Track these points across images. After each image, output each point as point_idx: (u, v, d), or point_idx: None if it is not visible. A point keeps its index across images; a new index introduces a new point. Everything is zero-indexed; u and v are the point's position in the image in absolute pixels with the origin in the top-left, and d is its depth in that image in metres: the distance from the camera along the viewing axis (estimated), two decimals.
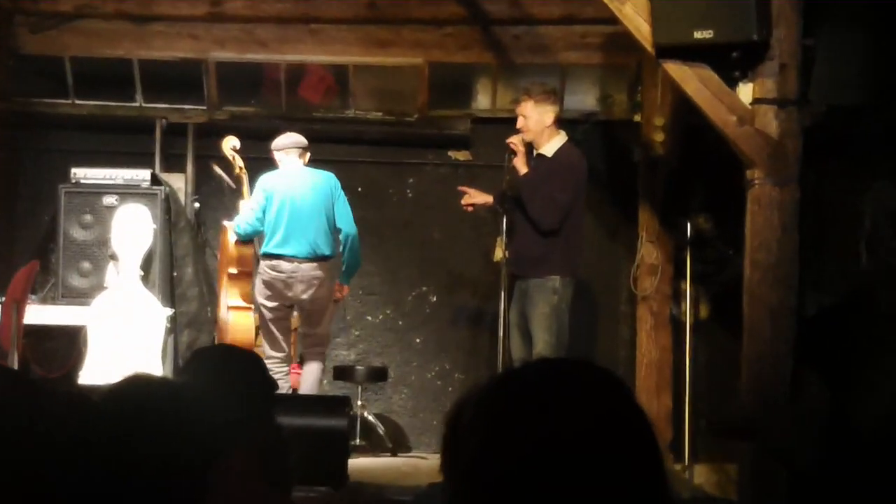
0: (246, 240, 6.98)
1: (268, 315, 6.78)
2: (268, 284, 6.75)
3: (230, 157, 7.24)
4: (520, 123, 6.47)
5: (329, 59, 8.08)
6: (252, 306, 7.03)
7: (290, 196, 6.81)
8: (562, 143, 6.51)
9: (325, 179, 6.93)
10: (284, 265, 6.74)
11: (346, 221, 6.92)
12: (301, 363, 7.14)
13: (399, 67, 8.12)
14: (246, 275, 7.08)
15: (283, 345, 6.85)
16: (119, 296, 7.08)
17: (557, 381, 1.49)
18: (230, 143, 7.26)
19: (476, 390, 1.54)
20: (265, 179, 6.86)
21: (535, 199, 6.30)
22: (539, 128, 6.44)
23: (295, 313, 6.97)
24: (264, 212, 6.79)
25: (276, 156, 6.97)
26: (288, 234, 6.75)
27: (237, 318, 7.03)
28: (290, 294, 6.76)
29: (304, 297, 6.77)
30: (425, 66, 7.94)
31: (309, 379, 6.83)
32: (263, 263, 6.78)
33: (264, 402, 2.86)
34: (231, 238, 7.04)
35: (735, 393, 5.93)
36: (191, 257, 7.68)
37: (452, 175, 8.18)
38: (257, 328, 7.00)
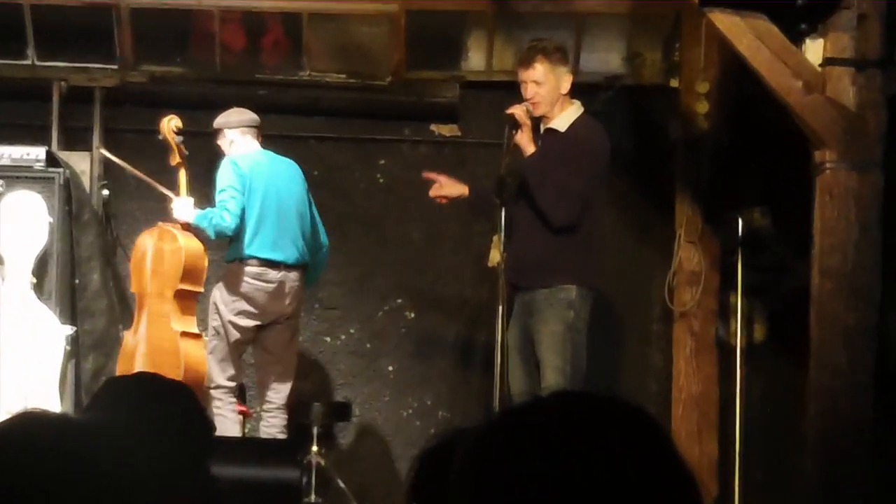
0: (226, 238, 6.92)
1: (236, 336, 6.80)
2: (248, 298, 6.77)
3: (172, 143, 7.08)
4: (530, 92, 6.45)
5: (276, 4, 8.07)
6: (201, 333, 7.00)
7: (276, 187, 6.87)
8: (577, 115, 6.52)
9: (298, 171, 7.06)
10: (272, 273, 6.81)
11: (321, 227, 7.13)
12: (243, 399, 7.13)
13: (367, 16, 8.11)
14: (197, 293, 7.04)
15: (240, 372, 6.94)
16: (5, 310, 7.04)
17: (575, 422, 1.50)
18: (172, 123, 7.09)
19: (467, 435, 1.53)
20: (241, 161, 6.80)
21: (546, 186, 6.29)
22: (555, 97, 6.45)
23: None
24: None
25: (229, 135, 6.91)
26: (278, 235, 6.82)
27: (192, 348, 6.86)
28: (272, 309, 6.84)
29: (289, 310, 6.89)
30: (401, 14, 7.94)
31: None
32: (246, 270, 6.76)
33: (198, 448, 2.85)
34: (183, 243, 6.86)
35: (799, 436, 5.94)
36: (97, 261, 7.67)
37: (436, 155, 8.18)
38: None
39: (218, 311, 6.81)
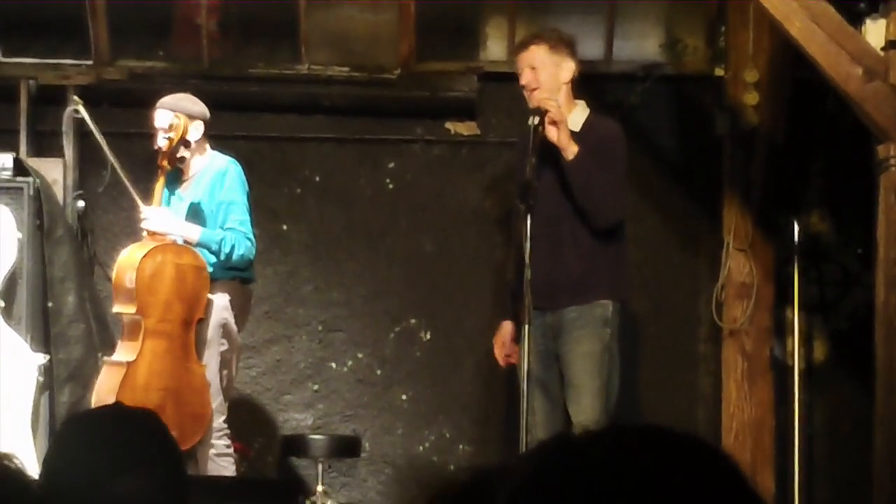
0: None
1: (235, 363, 6.86)
2: (241, 324, 6.85)
3: (172, 146, 6.66)
4: (526, 78, 6.51)
5: None
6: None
7: None
8: (586, 113, 6.58)
9: None
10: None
11: None
12: None
13: (372, 2, 8.14)
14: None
15: None
16: None
17: (642, 463, 1.47)
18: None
19: (490, 475, 1.51)
20: (239, 168, 6.79)
21: (592, 187, 6.31)
22: (555, 84, 6.47)
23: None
24: None
25: (200, 128, 6.79)
26: None
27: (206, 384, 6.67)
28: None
29: None
30: None
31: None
32: (246, 292, 6.85)
33: (180, 486, 2.85)
34: (203, 262, 6.60)
35: (866, 469, 5.95)
36: (73, 281, 7.67)
37: (452, 157, 8.19)
38: None
39: (230, 337, 6.71)
